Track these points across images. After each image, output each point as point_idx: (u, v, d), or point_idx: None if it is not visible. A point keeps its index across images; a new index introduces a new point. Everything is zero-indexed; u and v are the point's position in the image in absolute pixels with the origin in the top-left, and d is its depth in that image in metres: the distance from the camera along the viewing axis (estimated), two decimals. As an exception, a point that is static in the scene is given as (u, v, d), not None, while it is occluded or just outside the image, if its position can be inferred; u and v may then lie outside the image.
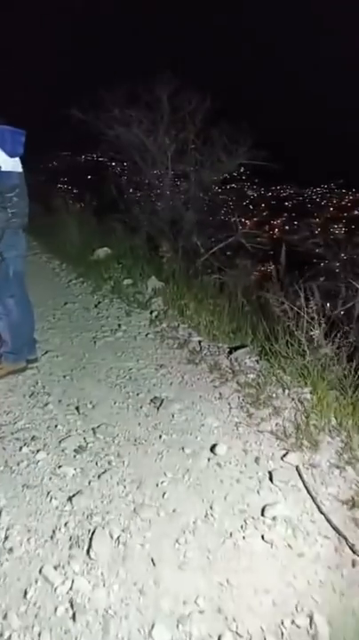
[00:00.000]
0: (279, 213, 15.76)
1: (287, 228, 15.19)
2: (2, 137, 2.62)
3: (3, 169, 2.63)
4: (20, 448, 2.43)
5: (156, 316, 4.09)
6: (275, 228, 14.74)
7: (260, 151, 5.91)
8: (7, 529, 1.92)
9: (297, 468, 2.27)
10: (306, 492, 2.15)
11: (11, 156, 2.69)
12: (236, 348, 3.44)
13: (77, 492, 2.14)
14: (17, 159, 2.76)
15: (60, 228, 6.65)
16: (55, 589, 1.69)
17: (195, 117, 6.00)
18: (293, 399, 2.79)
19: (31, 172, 3.06)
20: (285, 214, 16.02)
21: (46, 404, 2.86)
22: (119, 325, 4.00)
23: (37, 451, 2.42)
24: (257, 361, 3.27)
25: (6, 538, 1.88)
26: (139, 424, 2.72)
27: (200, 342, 3.60)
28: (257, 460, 2.36)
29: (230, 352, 3.40)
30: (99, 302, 4.49)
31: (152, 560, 1.82)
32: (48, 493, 2.13)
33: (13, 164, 2.73)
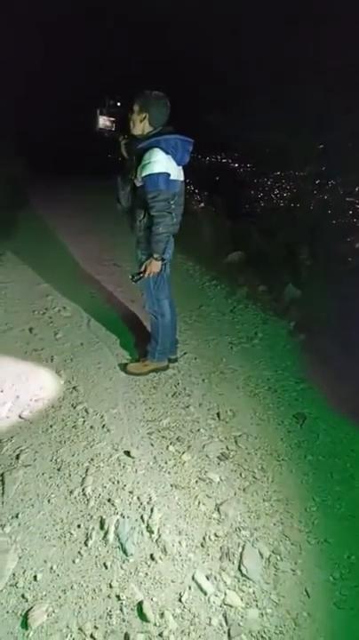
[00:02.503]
0: None
1: None
2: (174, 146, 2.63)
3: (171, 177, 2.66)
4: (167, 447, 2.50)
5: (295, 327, 3.95)
6: None
7: None
8: (159, 527, 1.97)
9: None
10: None
11: (179, 164, 2.72)
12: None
13: (224, 502, 2.13)
14: (181, 168, 2.77)
15: (193, 229, 6.76)
16: (209, 599, 1.69)
17: (343, 119, 5.71)
18: None
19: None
20: None
21: (187, 406, 2.90)
22: (256, 333, 3.93)
23: (183, 452, 2.46)
24: None
25: (159, 535, 1.93)
26: (282, 439, 2.63)
27: (345, 359, 3.39)
28: None
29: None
30: (234, 307, 4.47)
31: (306, 590, 1.73)
32: (196, 497, 2.15)
33: (179, 173, 2.76)
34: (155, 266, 2.81)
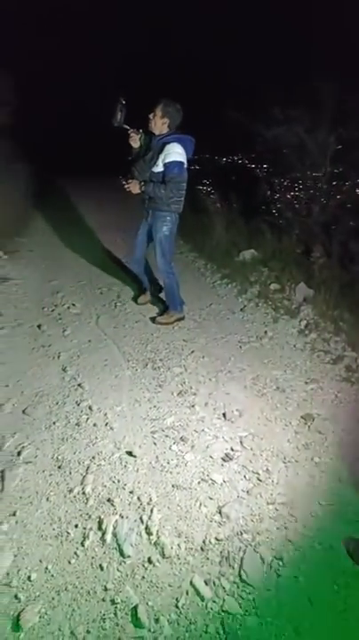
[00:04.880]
0: None
1: None
2: (187, 144, 3.44)
3: (183, 166, 3.43)
4: (170, 446, 2.44)
5: (306, 326, 3.85)
6: None
7: None
8: (158, 529, 1.92)
9: None
10: None
11: (187, 158, 3.49)
12: None
13: (226, 504, 2.07)
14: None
15: (206, 228, 6.70)
16: (206, 605, 1.63)
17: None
18: None
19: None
20: None
21: (193, 405, 2.84)
22: (265, 332, 3.85)
23: (186, 452, 2.40)
24: None
25: (158, 537, 1.87)
26: (289, 440, 2.55)
27: (357, 359, 3.29)
28: None
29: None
30: (245, 306, 4.39)
31: (309, 599, 1.66)
32: (197, 499, 2.09)
33: (186, 164, 3.50)
34: (135, 188, 3.53)
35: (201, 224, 6.91)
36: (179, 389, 3.01)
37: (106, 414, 2.70)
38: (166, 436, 2.53)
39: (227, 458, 2.39)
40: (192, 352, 3.50)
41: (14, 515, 1.97)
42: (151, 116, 3.42)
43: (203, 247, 6.27)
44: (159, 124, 3.42)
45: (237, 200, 7.06)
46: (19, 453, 2.36)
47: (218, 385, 3.09)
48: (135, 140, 3.53)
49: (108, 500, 2.05)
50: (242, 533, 1.91)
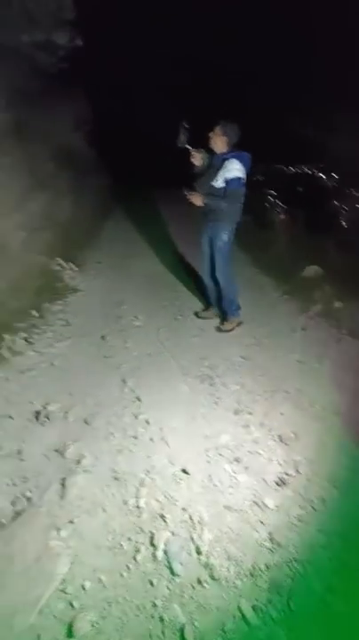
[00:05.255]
0: None
1: None
2: (245, 160, 3.69)
3: (242, 181, 3.70)
4: (224, 466, 2.46)
5: (370, 348, 3.73)
6: None
7: None
8: (208, 549, 1.94)
9: None
10: None
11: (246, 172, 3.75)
12: None
13: (278, 530, 2.05)
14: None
15: (270, 242, 6.65)
16: (252, 631, 1.63)
17: None
18: None
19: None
20: None
21: (248, 425, 2.84)
22: (326, 352, 3.76)
23: (239, 473, 2.41)
24: None
25: (208, 558, 1.90)
26: (346, 468, 2.48)
27: None
28: None
29: None
30: (306, 324, 4.31)
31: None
32: (249, 522, 2.10)
33: (245, 178, 3.75)
34: (197, 200, 3.76)
35: (264, 237, 6.86)
36: (235, 407, 3.02)
37: (162, 429, 2.77)
38: (220, 454, 2.55)
39: (280, 482, 2.37)
40: (249, 370, 3.50)
41: (72, 522, 2.08)
42: (211, 134, 3.72)
43: (265, 262, 6.21)
44: (219, 143, 3.73)
45: (303, 212, 6.95)
46: (78, 462, 2.48)
47: (274, 405, 3.07)
48: (197, 159, 3.82)
49: (161, 516, 2.11)
50: (292, 561, 1.89)
